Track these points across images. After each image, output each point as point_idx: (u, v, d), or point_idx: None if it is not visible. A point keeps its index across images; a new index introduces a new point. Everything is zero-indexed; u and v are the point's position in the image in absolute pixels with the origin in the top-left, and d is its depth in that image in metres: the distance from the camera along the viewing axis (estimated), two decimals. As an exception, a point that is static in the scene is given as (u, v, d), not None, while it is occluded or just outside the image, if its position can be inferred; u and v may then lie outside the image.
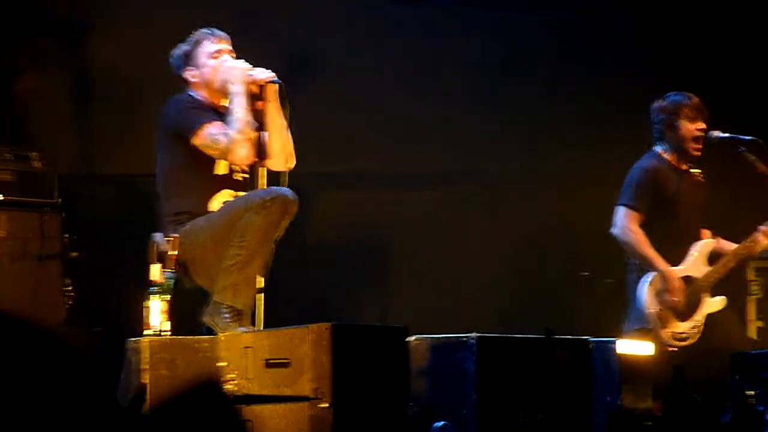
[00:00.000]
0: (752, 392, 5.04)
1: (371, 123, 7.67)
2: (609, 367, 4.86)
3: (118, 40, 7.15)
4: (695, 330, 6.16)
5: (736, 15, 7.92)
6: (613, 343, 4.94)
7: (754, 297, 7.15)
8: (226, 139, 4.97)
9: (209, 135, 4.99)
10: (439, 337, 4.72)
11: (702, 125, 6.22)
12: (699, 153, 6.22)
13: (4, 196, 6.22)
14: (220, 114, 5.11)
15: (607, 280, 6.43)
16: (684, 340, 6.15)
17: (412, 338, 4.66)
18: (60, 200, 6.37)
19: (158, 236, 4.97)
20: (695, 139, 6.22)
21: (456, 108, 7.86)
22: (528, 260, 7.91)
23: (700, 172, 6.32)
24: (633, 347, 5.01)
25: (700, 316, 6.18)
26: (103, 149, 7.27)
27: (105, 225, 6.91)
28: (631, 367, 4.90)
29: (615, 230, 6.17)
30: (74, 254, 6.32)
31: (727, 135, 6.24)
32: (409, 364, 4.54)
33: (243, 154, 5.02)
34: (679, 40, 8.00)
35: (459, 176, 7.97)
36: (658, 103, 6.31)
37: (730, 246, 6.31)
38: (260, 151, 5.12)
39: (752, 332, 6.97)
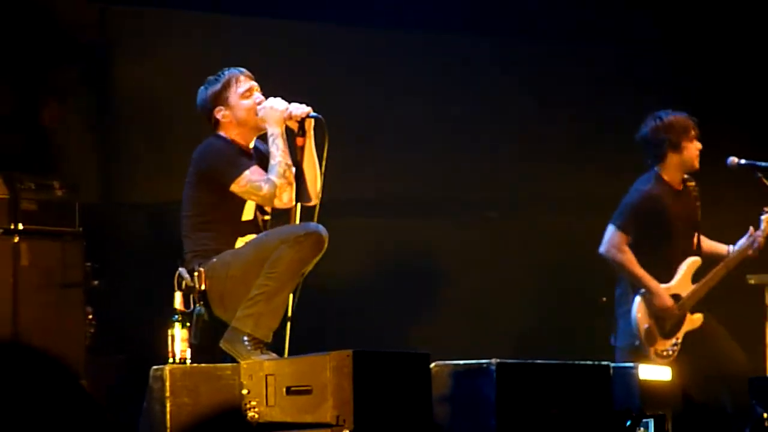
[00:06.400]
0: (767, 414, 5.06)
1: (392, 149, 7.68)
2: (629, 392, 4.87)
3: (143, 67, 7.17)
4: (676, 347, 6.20)
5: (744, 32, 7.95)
6: (634, 368, 4.95)
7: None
8: (269, 186, 4.98)
9: (250, 182, 4.99)
10: (459, 364, 4.73)
11: (700, 145, 6.29)
12: None
13: (26, 225, 6.26)
14: (251, 157, 5.13)
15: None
16: (666, 357, 6.17)
17: (433, 365, 4.68)
18: (81, 228, 6.40)
19: (183, 271, 4.97)
20: (698, 158, 6.30)
21: (477, 134, 7.88)
22: (550, 286, 7.91)
23: (694, 184, 6.37)
24: (652, 372, 5.02)
25: (681, 334, 6.23)
26: (126, 177, 7.29)
27: (128, 253, 6.93)
28: (650, 392, 4.91)
29: (603, 249, 6.27)
30: (95, 282, 6.36)
31: (745, 162, 6.31)
32: (430, 390, 4.56)
33: (286, 200, 5.03)
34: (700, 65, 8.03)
35: (482, 203, 7.98)
36: (655, 123, 6.33)
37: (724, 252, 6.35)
38: (300, 193, 5.11)
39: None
